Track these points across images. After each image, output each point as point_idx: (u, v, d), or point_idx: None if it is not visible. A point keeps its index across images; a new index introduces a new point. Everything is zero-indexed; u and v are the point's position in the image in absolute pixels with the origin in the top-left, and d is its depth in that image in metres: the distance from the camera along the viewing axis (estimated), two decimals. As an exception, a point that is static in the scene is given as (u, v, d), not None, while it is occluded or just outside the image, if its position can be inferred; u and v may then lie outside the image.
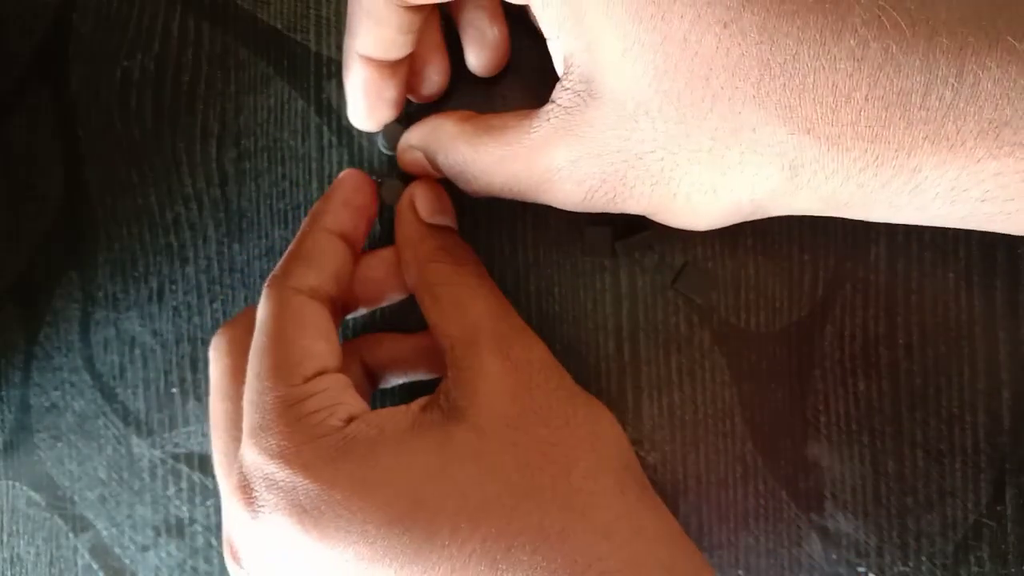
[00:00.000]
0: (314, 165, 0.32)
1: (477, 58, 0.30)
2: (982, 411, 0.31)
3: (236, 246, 0.32)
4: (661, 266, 0.31)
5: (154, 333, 0.33)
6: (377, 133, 0.32)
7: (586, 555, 0.22)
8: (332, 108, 0.32)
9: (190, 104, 0.33)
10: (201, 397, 0.32)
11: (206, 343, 0.32)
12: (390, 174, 0.32)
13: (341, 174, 0.29)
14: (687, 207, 0.24)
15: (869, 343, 0.31)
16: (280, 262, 0.27)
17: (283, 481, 0.22)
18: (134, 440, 0.33)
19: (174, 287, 0.33)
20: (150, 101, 0.33)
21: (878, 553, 0.31)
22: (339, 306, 0.28)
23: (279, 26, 0.33)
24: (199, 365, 0.32)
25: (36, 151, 0.33)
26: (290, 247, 0.28)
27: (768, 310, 0.31)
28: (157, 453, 0.32)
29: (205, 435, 0.32)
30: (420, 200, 0.29)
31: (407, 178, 0.31)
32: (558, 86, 0.24)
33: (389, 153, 0.32)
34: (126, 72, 0.33)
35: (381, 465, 0.23)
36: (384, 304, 0.30)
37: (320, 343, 0.25)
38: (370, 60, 0.27)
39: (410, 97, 0.31)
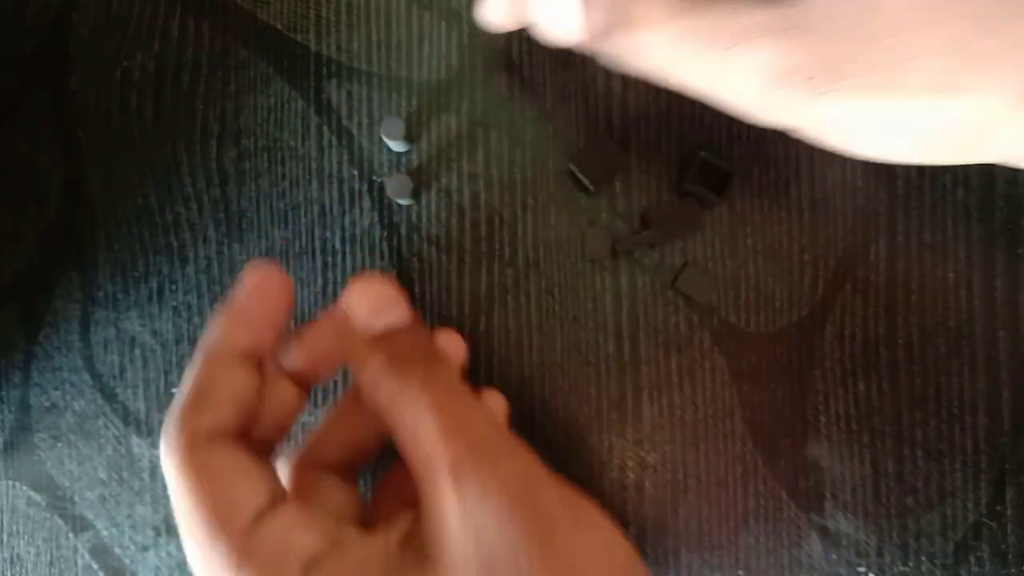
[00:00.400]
0: (314, 165, 0.32)
1: None
2: (982, 411, 0.31)
3: (236, 246, 0.32)
4: (661, 266, 0.31)
5: (154, 333, 0.33)
6: (394, 131, 0.32)
7: None
8: (332, 108, 0.32)
9: (190, 104, 0.33)
10: (201, 397, 0.32)
11: (206, 343, 0.32)
12: (391, 171, 0.32)
13: (243, 275, 0.26)
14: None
15: (869, 343, 0.31)
16: (173, 406, 0.24)
17: None
18: (134, 440, 0.33)
19: (174, 287, 0.33)
20: (150, 101, 0.33)
21: (878, 553, 0.31)
22: (253, 431, 0.26)
23: (279, 26, 0.33)
24: (199, 365, 0.32)
25: (36, 151, 0.33)
26: (181, 387, 0.25)
27: (768, 310, 0.31)
28: (157, 453, 0.32)
29: (205, 435, 0.32)
30: (356, 305, 0.25)
31: (412, 173, 0.31)
32: None
33: (396, 150, 0.32)
34: (126, 72, 0.33)
35: None
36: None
37: (246, 486, 0.23)
38: None
39: None
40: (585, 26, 0.24)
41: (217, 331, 0.25)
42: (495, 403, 0.30)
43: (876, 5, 0.21)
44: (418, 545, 0.22)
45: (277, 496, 0.23)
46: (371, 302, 0.25)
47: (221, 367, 0.25)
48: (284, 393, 0.26)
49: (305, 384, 0.27)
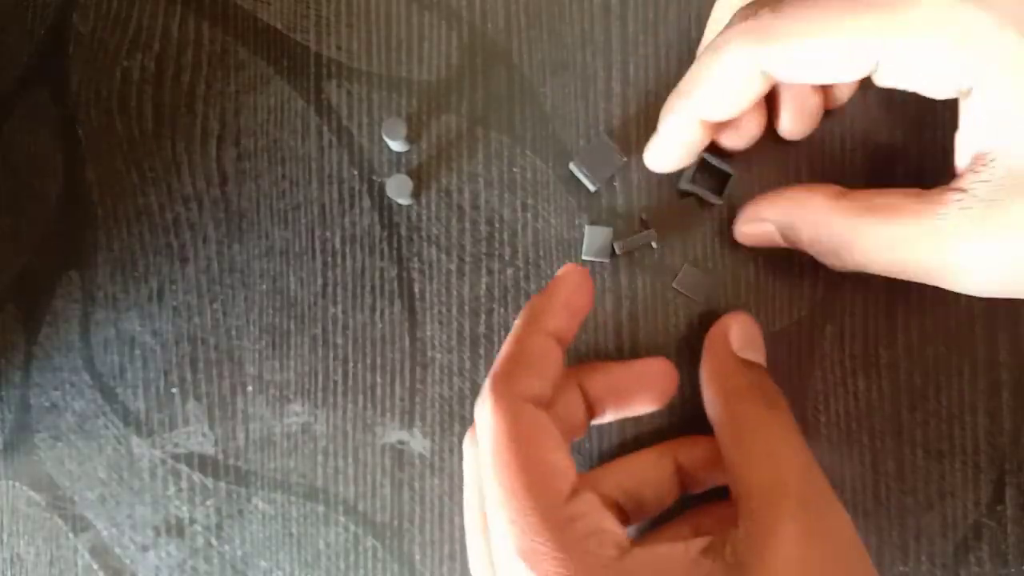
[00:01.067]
0: (314, 165, 0.32)
1: (791, 122, 0.29)
2: (982, 411, 0.31)
3: (236, 246, 0.32)
4: (661, 266, 0.31)
5: (154, 333, 0.33)
6: (394, 131, 0.32)
7: None
8: (332, 108, 0.32)
9: (190, 104, 0.33)
10: (201, 397, 0.32)
11: (206, 343, 0.32)
12: (391, 171, 0.32)
13: (563, 270, 0.27)
14: None
15: (869, 343, 0.31)
16: (498, 363, 0.25)
17: None
18: (134, 440, 0.33)
19: (174, 287, 0.33)
20: (150, 101, 0.33)
21: (878, 553, 0.31)
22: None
23: (279, 26, 0.33)
24: (199, 365, 0.32)
25: (36, 151, 0.33)
26: (507, 348, 0.26)
27: (768, 310, 0.31)
28: (157, 453, 0.32)
29: (205, 435, 0.32)
30: (735, 332, 0.28)
31: (412, 173, 0.31)
32: (969, 175, 0.24)
33: (396, 149, 0.32)
34: (126, 72, 0.33)
35: None
36: (628, 414, 0.30)
37: (563, 457, 0.24)
38: (705, 122, 0.27)
39: (723, 143, 0.30)
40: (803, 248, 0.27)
41: (547, 308, 0.26)
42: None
43: None
44: (722, 559, 0.22)
45: (579, 480, 0.24)
46: (746, 334, 0.29)
47: (549, 343, 0.26)
48: (575, 398, 0.28)
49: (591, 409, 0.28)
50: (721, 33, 0.26)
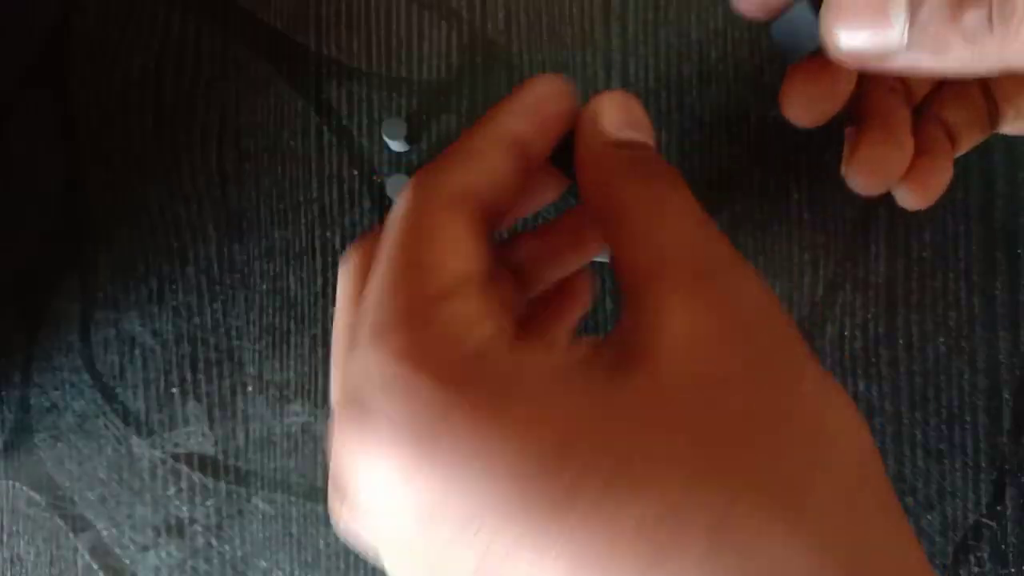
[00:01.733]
0: (314, 165, 0.32)
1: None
2: (982, 411, 0.31)
3: (236, 246, 0.32)
4: (661, 266, 0.31)
5: (154, 333, 0.33)
6: (394, 131, 0.32)
7: None
8: (332, 108, 0.32)
9: (190, 104, 0.33)
10: (201, 397, 0.32)
11: (206, 343, 0.32)
12: (391, 171, 0.32)
13: (534, 79, 0.23)
14: None
15: (869, 343, 0.31)
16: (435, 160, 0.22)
17: (402, 383, 0.18)
18: (134, 440, 0.33)
19: (174, 287, 0.33)
20: (150, 101, 0.33)
21: (878, 553, 0.31)
22: (495, 225, 0.23)
23: (279, 26, 0.33)
24: (199, 365, 0.32)
25: (36, 151, 0.33)
26: (449, 146, 0.22)
27: (768, 310, 0.31)
28: (157, 453, 0.32)
29: (205, 435, 0.32)
30: (606, 112, 0.23)
31: (412, 173, 0.31)
32: None
33: (396, 149, 0.32)
34: (126, 72, 0.33)
35: (525, 395, 0.18)
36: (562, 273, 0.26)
37: (461, 250, 0.20)
38: None
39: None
40: (914, 49, 0.19)
41: (504, 108, 0.22)
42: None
43: None
44: (609, 352, 0.19)
45: (485, 277, 0.21)
46: (620, 113, 0.23)
47: (497, 142, 0.22)
48: (543, 187, 0.25)
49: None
50: None
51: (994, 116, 0.27)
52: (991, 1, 0.17)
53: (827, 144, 0.31)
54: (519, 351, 0.19)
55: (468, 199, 0.21)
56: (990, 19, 0.17)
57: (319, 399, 0.32)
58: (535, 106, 0.22)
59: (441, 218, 0.21)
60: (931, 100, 0.27)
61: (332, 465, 0.20)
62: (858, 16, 0.20)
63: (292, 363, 0.32)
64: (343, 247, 0.32)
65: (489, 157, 0.22)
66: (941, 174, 0.26)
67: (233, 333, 0.32)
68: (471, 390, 0.18)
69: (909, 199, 0.26)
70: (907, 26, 0.18)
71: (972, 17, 0.17)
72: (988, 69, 0.19)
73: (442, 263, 0.20)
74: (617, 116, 0.22)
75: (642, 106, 0.23)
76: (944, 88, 0.27)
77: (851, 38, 0.20)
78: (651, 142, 0.23)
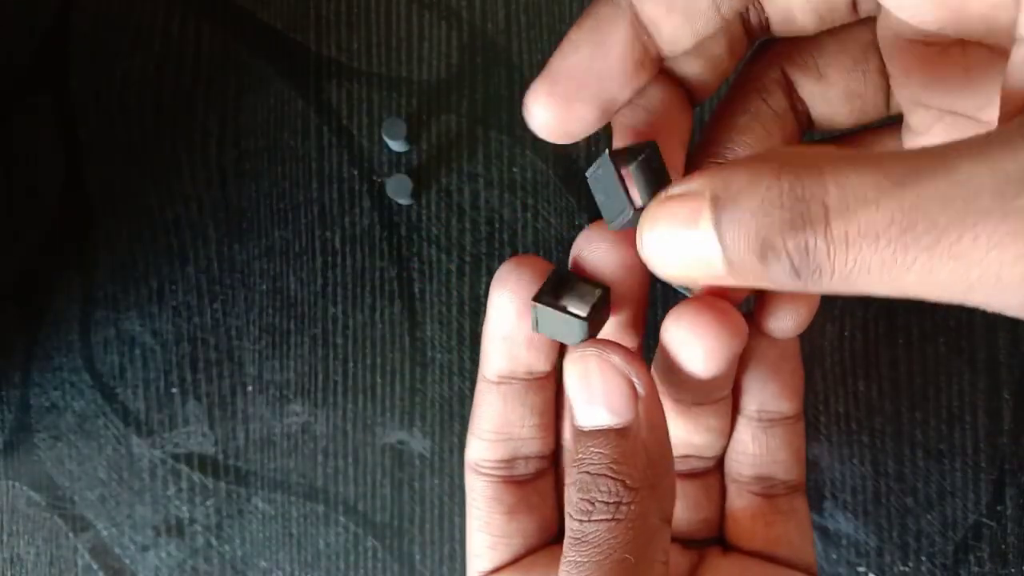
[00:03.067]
0: (314, 165, 0.32)
1: None
2: (982, 411, 0.31)
3: (236, 246, 0.32)
4: (661, 266, 0.31)
5: (154, 333, 0.33)
6: (394, 131, 0.32)
7: None
8: (332, 108, 0.32)
9: (190, 104, 0.33)
10: (201, 397, 0.32)
11: (206, 343, 0.32)
12: (391, 171, 0.32)
13: (492, 292, 0.21)
14: None
15: (869, 343, 0.31)
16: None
17: None
18: (134, 440, 0.33)
19: (174, 287, 0.33)
20: (150, 101, 0.33)
21: (878, 553, 0.31)
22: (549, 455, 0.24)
23: (279, 26, 0.33)
24: (199, 365, 0.32)
25: (36, 151, 0.33)
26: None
27: (768, 310, 0.31)
28: (157, 453, 0.32)
29: (205, 435, 0.32)
30: (570, 394, 0.20)
31: (412, 173, 0.31)
32: None
33: (396, 149, 0.32)
34: (126, 72, 0.33)
35: None
36: None
37: (485, 531, 0.23)
38: (639, 22, 0.18)
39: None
40: (728, 255, 0.15)
41: (483, 354, 0.22)
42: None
43: None
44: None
45: (511, 553, 0.23)
46: (585, 393, 0.20)
47: (486, 386, 0.23)
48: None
49: None
50: None
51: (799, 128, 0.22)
52: (791, 258, 0.14)
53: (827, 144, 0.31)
54: None
55: (486, 468, 0.23)
56: (795, 273, 0.14)
57: (319, 399, 0.32)
58: (503, 334, 0.22)
59: (474, 506, 0.24)
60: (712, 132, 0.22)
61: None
62: (671, 240, 0.16)
63: (292, 363, 0.32)
64: (343, 247, 0.32)
65: (488, 411, 0.23)
66: None
67: (233, 333, 0.32)
68: None
69: (789, 318, 0.22)
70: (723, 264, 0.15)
71: (776, 271, 0.15)
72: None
73: (481, 555, 0.24)
74: (577, 397, 0.19)
75: (613, 362, 0.19)
76: (730, 119, 0.22)
77: (665, 265, 0.17)
78: (620, 416, 0.19)
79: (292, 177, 0.32)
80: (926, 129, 0.20)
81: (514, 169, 0.32)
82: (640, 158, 0.18)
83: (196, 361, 0.32)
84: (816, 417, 0.31)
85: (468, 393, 0.32)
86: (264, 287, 0.32)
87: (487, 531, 0.23)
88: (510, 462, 0.23)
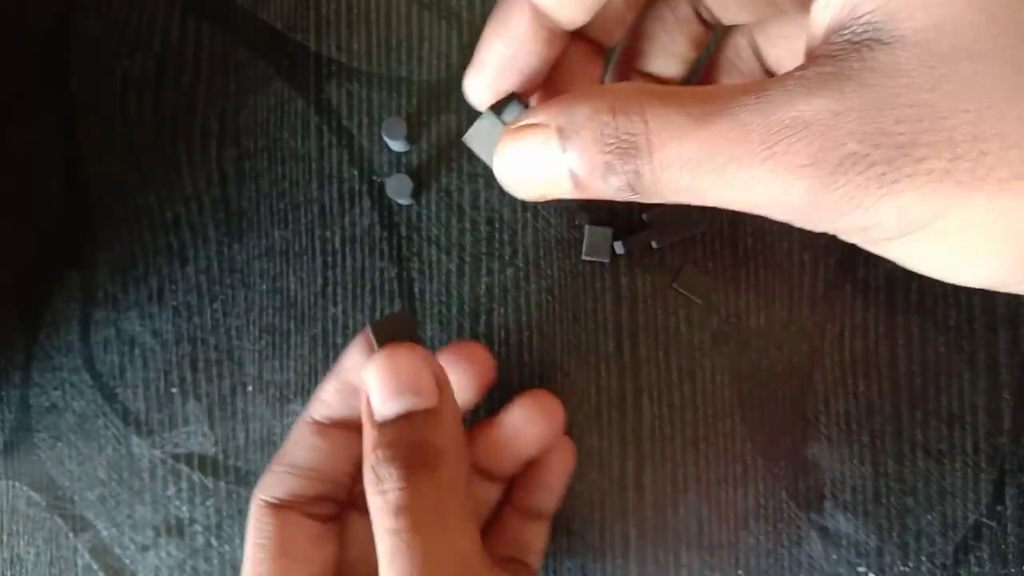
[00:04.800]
0: (314, 165, 0.32)
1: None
2: (982, 411, 0.31)
3: (236, 246, 0.32)
4: (661, 266, 0.31)
5: (154, 333, 0.33)
6: (394, 131, 0.32)
7: None
8: (332, 108, 0.32)
9: (190, 104, 0.33)
10: (201, 397, 0.32)
11: (206, 343, 0.32)
12: (391, 171, 0.32)
13: (353, 343, 0.26)
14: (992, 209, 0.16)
15: (869, 343, 0.31)
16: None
17: None
18: (134, 440, 0.33)
19: (174, 287, 0.33)
20: (150, 101, 0.33)
21: (878, 553, 0.31)
22: (343, 500, 0.27)
23: (279, 26, 0.33)
24: (199, 365, 0.32)
25: (36, 151, 0.33)
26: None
27: (768, 310, 0.31)
28: (157, 453, 0.32)
29: (205, 435, 0.32)
30: (370, 387, 0.23)
31: (412, 173, 0.31)
32: (819, 45, 0.17)
33: (396, 149, 0.32)
34: (126, 72, 0.33)
35: None
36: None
37: (283, 565, 0.24)
38: (543, 14, 0.20)
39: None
40: (575, 176, 0.18)
41: (318, 395, 0.26)
42: (562, 453, 0.29)
43: (952, 72, 0.15)
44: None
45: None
46: (389, 383, 0.23)
47: (304, 427, 0.26)
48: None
49: None
50: None
51: (705, 27, 0.24)
52: (627, 178, 0.18)
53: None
54: None
55: (294, 503, 0.25)
56: (631, 189, 0.18)
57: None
58: (340, 382, 0.26)
59: (264, 536, 0.24)
60: (628, 49, 0.25)
61: None
62: (523, 157, 0.19)
63: (292, 363, 0.32)
64: (343, 247, 0.32)
65: (303, 450, 0.25)
66: None
67: (233, 333, 0.32)
68: None
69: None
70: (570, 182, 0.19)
71: (614, 188, 0.18)
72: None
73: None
74: (382, 390, 0.22)
75: (420, 356, 0.23)
76: (643, 27, 0.24)
77: (519, 180, 0.20)
78: (429, 400, 0.23)
79: (292, 177, 0.32)
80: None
81: (514, 169, 0.32)
82: (512, 102, 0.21)
83: (196, 361, 0.32)
84: (816, 417, 0.31)
85: (468, 393, 0.32)
86: (264, 287, 0.32)
87: (286, 556, 0.24)
88: (314, 501, 0.25)
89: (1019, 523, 0.31)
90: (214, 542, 0.32)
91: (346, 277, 0.32)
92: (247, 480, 0.32)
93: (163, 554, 0.32)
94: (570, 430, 0.31)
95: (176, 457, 0.32)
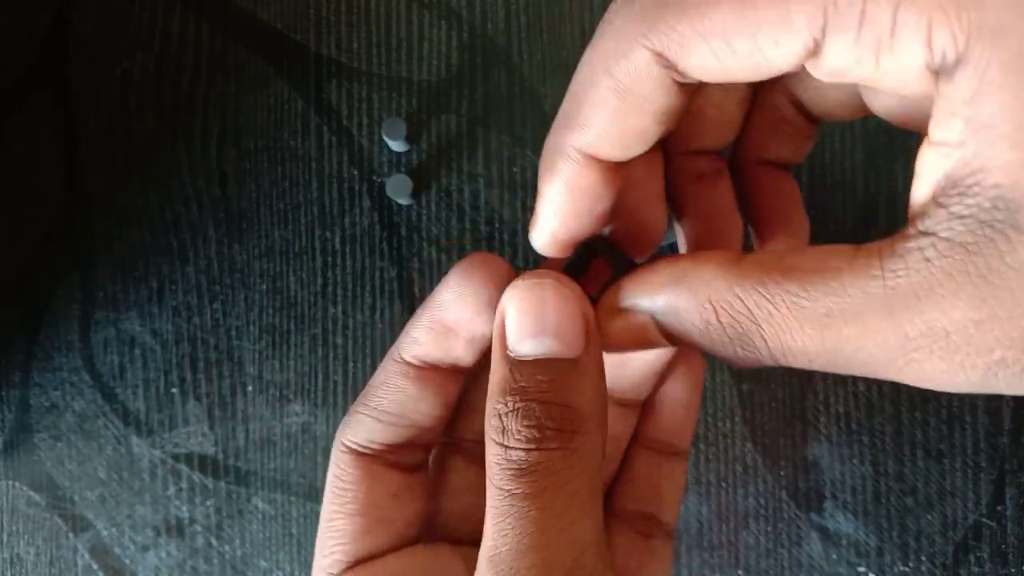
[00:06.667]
0: (314, 165, 0.32)
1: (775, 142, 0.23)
2: (982, 411, 0.31)
3: (236, 246, 0.32)
4: (661, 266, 0.31)
5: (154, 333, 0.33)
6: (394, 131, 0.32)
7: None
8: (332, 108, 0.32)
9: (190, 104, 0.33)
10: (201, 397, 0.32)
11: (206, 343, 0.32)
12: (391, 171, 0.32)
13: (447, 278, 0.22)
14: None
15: (869, 343, 0.31)
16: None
17: None
18: (134, 440, 0.33)
19: (174, 287, 0.33)
20: (150, 101, 0.33)
21: (878, 553, 0.31)
22: (429, 445, 0.23)
23: (279, 26, 0.33)
24: (199, 365, 0.32)
25: (36, 151, 0.33)
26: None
27: (768, 310, 0.31)
28: (157, 453, 0.32)
29: (205, 435, 0.32)
30: (509, 318, 0.20)
31: (412, 173, 0.31)
32: (935, 211, 0.16)
33: (396, 150, 0.32)
34: (126, 72, 0.33)
35: None
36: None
37: (361, 523, 0.21)
38: (594, 159, 0.19)
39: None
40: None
41: (410, 332, 0.23)
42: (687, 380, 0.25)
43: None
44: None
45: (402, 538, 0.22)
46: (530, 321, 0.20)
47: (394, 366, 0.23)
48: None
49: None
50: (599, 27, 0.19)
51: (811, 123, 0.23)
52: (748, 363, 0.18)
53: (828, 144, 0.31)
54: None
55: (375, 449, 0.22)
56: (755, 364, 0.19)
57: (319, 399, 0.32)
58: (433, 318, 0.22)
59: (342, 485, 0.22)
60: (745, 145, 0.23)
61: None
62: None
63: (292, 363, 0.32)
64: (343, 247, 0.32)
65: (391, 392, 0.22)
66: (803, 222, 0.23)
67: (233, 333, 0.32)
68: None
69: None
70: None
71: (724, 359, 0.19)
72: None
73: (346, 541, 0.21)
74: (521, 325, 0.19)
75: (570, 294, 0.20)
76: (753, 124, 0.23)
77: (618, 354, 0.20)
78: (573, 349, 0.19)
79: (292, 177, 0.32)
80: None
81: (514, 169, 0.32)
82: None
83: (196, 361, 0.32)
84: (816, 417, 0.31)
85: (468, 393, 0.32)
86: (264, 287, 0.32)
87: (364, 514, 0.22)
88: (400, 448, 0.22)
89: (1019, 523, 0.31)
90: (214, 542, 0.32)
91: (346, 277, 0.32)
92: (247, 480, 0.32)
93: (163, 554, 0.32)
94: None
95: (176, 457, 0.32)
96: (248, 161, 0.32)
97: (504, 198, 0.32)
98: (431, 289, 0.32)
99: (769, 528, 0.31)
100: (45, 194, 0.33)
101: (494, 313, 0.21)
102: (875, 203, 0.31)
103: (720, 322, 0.17)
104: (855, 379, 0.31)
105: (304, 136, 0.32)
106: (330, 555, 0.21)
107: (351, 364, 0.32)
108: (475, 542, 0.19)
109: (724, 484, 0.31)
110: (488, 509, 0.19)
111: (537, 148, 0.32)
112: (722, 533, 0.31)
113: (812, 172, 0.31)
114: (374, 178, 0.32)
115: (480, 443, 0.20)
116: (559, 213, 0.20)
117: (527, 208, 0.32)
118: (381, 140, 0.32)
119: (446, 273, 0.32)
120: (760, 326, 0.17)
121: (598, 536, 0.19)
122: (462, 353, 0.22)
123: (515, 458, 0.18)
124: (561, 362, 0.19)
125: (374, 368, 0.32)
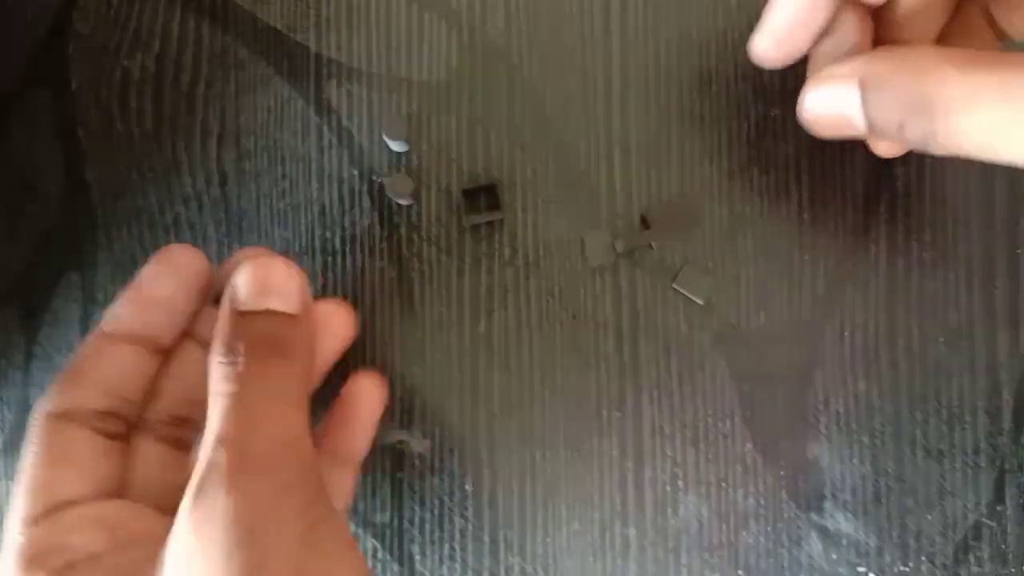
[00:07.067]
0: (314, 165, 0.32)
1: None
2: (982, 411, 0.31)
3: (236, 246, 0.32)
4: (661, 266, 0.31)
5: (154, 333, 0.33)
6: (394, 131, 0.32)
7: None
8: (332, 108, 0.32)
9: (190, 104, 0.33)
10: (201, 397, 0.32)
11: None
12: (391, 171, 0.32)
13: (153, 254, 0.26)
14: None
15: (869, 343, 0.31)
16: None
17: None
18: (134, 440, 0.33)
19: (174, 287, 0.33)
20: (150, 101, 0.33)
21: (878, 553, 0.31)
22: (131, 419, 0.26)
23: (279, 26, 0.33)
24: (199, 365, 0.32)
25: (36, 151, 0.33)
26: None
27: (768, 310, 0.31)
28: (157, 453, 0.32)
29: (205, 435, 0.32)
30: (240, 283, 0.24)
31: (412, 173, 0.31)
32: None
33: (396, 150, 0.32)
34: (126, 72, 0.33)
35: None
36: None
37: (64, 472, 0.23)
38: None
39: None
40: (871, 123, 0.22)
41: (113, 309, 0.26)
42: (368, 389, 0.30)
43: None
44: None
45: (100, 491, 0.24)
46: (257, 283, 0.24)
47: (102, 348, 0.25)
48: (194, 364, 0.27)
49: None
50: None
51: (999, 39, 0.26)
52: (918, 134, 0.21)
53: (827, 144, 0.31)
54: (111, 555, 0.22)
55: (77, 416, 0.24)
56: (921, 143, 0.22)
57: (319, 399, 0.32)
58: (135, 295, 0.26)
59: (45, 446, 0.23)
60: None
61: None
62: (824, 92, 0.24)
63: (292, 363, 0.32)
64: (343, 247, 0.32)
65: (99, 368, 0.25)
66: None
67: (233, 333, 0.32)
68: None
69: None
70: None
71: (907, 138, 0.21)
72: None
73: (41, 493, 0.23)
74: (251, 284, 0.24)
75: (289, 269, 0.25)
76: (950, 30, 0.26)
77: (820, 120, 0.24)
78: (293, 306, 0.24)
79: (292, 177, 0.32)
80: None
81: (514, 169, 0.32)
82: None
83: (196, 361, 0.32)
84: (816, 417, 0.31)
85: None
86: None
87: (64, 466, 0.24)
88: (101, 415, 0.25)
89: (1019, 523, 0.31)
90: (214, 542, 0.32)
91: (346, 277, 0.32)
92: (247, 480, 0.32)
93: (163, 554, 0.32)
94: (571, 430, 0.31)
95: (176, 457, 0.32)
96: (248, 161, 0.32)
97: (504, 198, 0.32)
98: (431, 289, 0.32)
99: (769, 528, 0.31)
100: (45, 194, 0.33)
101: (192, 292, 0.26)
102: (875, 203, 0.31)
103: (921, 97, 0.20)
104: (855, 379, 0.31)
105: (304, 136, 0.32)
106: (28, 501, 0.23)
107: (351, 364, 0.32)
108: (163, 507, 0.23)
109: (724, 484, 0.31)
110: (209, 418, 0.22)
111: (537, 148, 0.32)
112: (722, 533, 0.31)
113: (812, 172, 0.31)
114: (374, 178, 0.32)
115: (167, 424, 0.26)
116: (787, 24, 0.24)
117: (527, 208, 0.32)
118: (381, 140, 0.32)
119: (446, 273, 0.32)
120: (945, 86, 0.20)
121: (308, 435, 0.23)
122: (160, 328, 0.26)
123: (240, 369, 0.22)
124: (281, 314, 0.24)
125: (374, 368, 0.32)
